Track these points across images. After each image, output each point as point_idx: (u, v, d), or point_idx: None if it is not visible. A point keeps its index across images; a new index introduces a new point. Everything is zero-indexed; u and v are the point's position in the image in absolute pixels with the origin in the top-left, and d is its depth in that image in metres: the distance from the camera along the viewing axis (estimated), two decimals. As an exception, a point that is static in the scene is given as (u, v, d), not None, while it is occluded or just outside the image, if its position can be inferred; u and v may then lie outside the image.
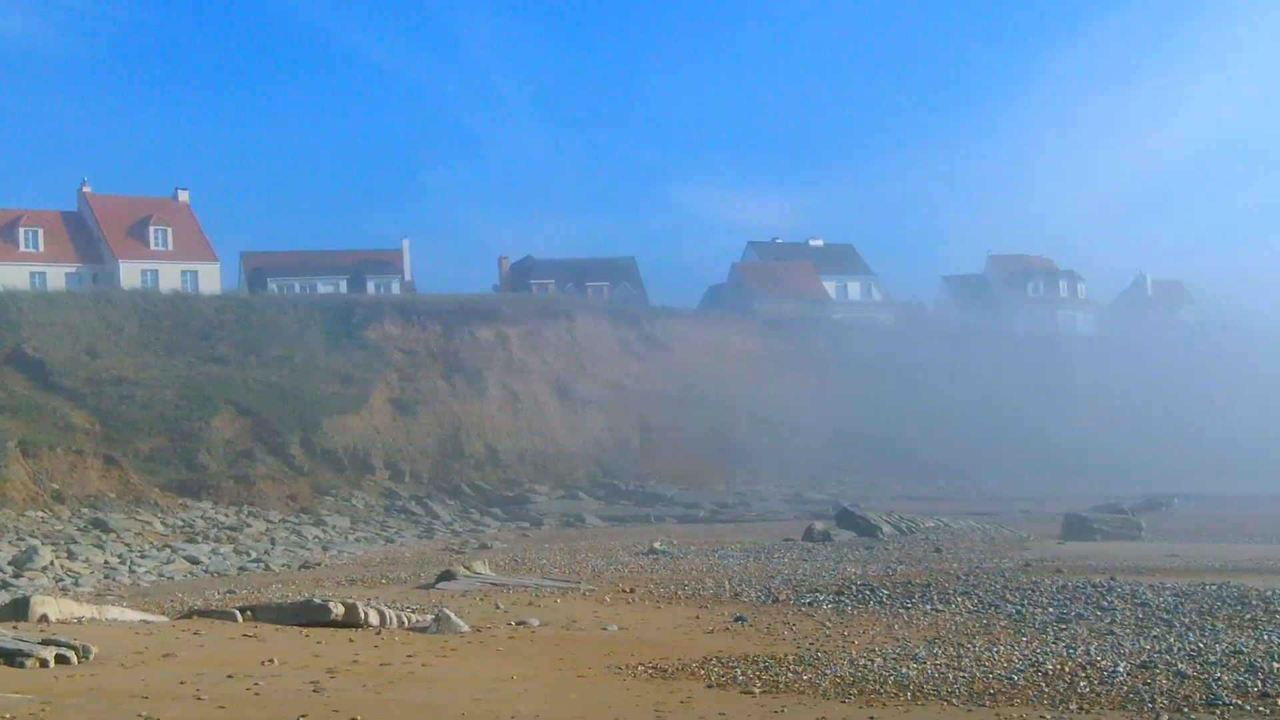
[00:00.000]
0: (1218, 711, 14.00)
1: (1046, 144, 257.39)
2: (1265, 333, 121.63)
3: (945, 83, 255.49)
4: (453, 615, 21.40)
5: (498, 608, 24.79)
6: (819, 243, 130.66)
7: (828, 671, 16.83)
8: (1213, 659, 17.22)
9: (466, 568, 32.00)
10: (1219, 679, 15.71)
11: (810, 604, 25.01)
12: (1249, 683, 15.44)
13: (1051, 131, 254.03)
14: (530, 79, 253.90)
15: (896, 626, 21.70)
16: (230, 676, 15.69)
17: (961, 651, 18.38)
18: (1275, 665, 16.52)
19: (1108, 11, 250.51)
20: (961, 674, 16.47)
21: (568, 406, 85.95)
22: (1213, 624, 21.06)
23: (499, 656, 18.62)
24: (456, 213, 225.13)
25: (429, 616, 21.94)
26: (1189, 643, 18.81)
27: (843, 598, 25.83)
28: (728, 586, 28.74)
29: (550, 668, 17.63)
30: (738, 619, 22.64)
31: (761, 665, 17.45)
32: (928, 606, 24.14)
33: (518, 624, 22.20)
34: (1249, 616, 21.91)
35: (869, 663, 17.47)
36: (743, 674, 16.79)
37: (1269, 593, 25.08)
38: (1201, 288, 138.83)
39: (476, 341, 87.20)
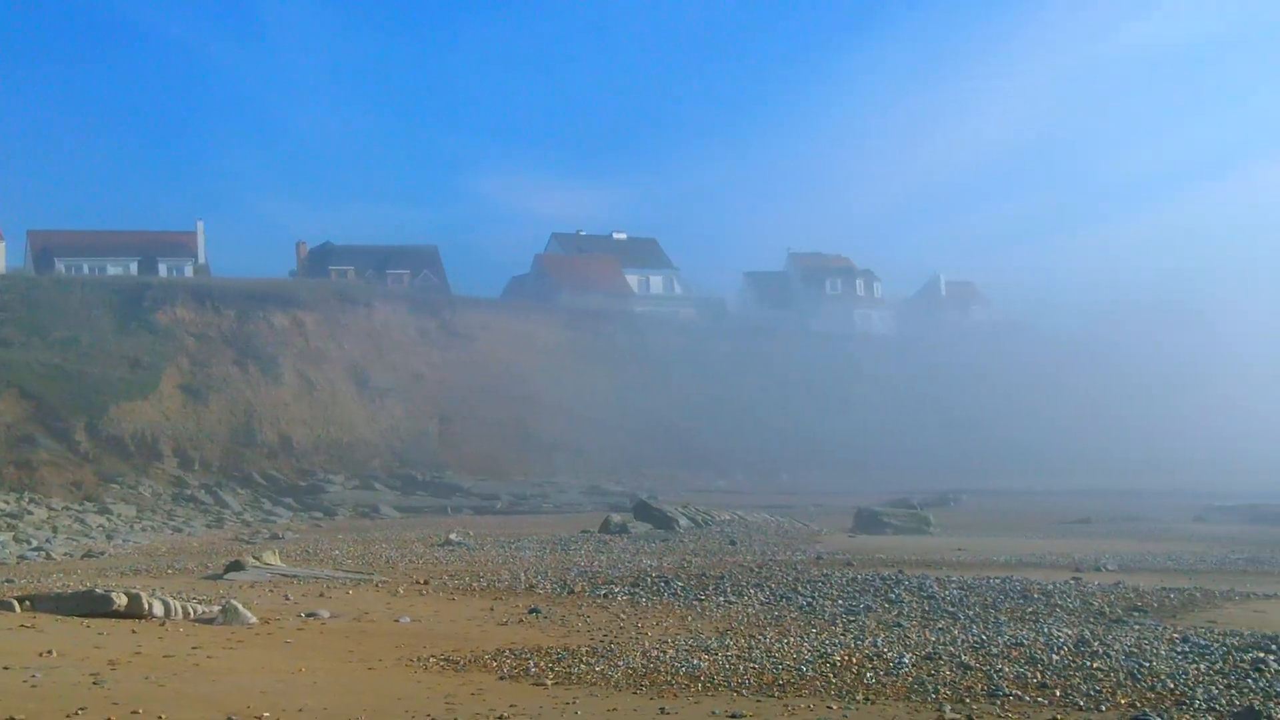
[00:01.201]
0: (998, 702, 14.30)
1: (847, 144, 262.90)
2: (1052, 333, 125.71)
3: (748, 80, 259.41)
4: (240, 606, 20.98)
5: (287, 599, 24.37)
6: (622, 236, 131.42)
7: (620, 663, 16.84)
8: (995, 651, 17.62)
9: (256, 558, 31.36)
10: (1000, 670, 16.07)
11: (605, 596, 25.04)
12: (1029, 674, 15.82)
13: (852, 131, 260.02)
14: (332, 61, 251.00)
15: (690, 618, 21.81)
16: (6, 668, 15.19)
17: (753, 643, 18.53)
18: (1054, 657, 16.96)
19: (909, 14, 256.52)
20: (752, 665, 16.60)
21: (365, 395, 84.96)
22: (995, 616, 21.60)
23: (287, 648, 18.29)
24: (253, 195, 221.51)
25: (216, 608, 21.49)
26: (972, 635, 19.23)
27: (638, 589, 25.91)
28: (523, 578, 28.64)
29: (340, 660, 17.37)
30: (532, 611, 22.55)
31: (555, 657, 17.40)
32: (721, 599, 24.33)
33: (308, 615, 21.84)
34: (1030, 609, 22.52)
35: (662, 654, 17.52)
36: (535, 665, 16.72)
37: (1050, 586, 25.84)
38: (992, 288, 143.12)
39: (271, 327, 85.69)
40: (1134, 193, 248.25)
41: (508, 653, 17.79)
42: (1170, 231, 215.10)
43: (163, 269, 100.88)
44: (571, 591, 25.90)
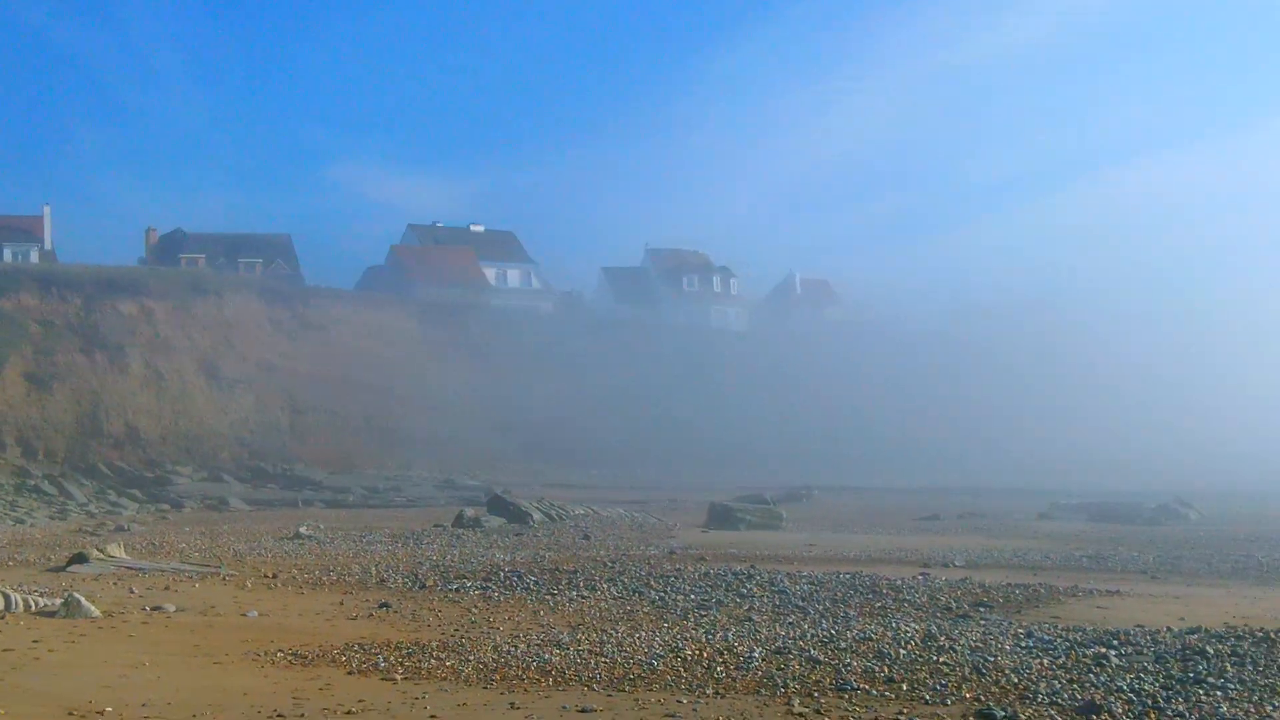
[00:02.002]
0: (846, 696, 14.45)
1: (706, 142, 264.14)
2: (905, 333, 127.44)
3: (607, 76, 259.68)
4: (83, 599, 20.56)
5: (132, 592, 23.92)
6: (480, 228, 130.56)
7: (471, 658, 16.76)
8: (843, 645, 17.81)
9: (101, 550, 30.72)
10: (849, 665, 16.24)
11: (457, 590, 24.92)
12: (876, 668, 16.01)
13: (711, 130, 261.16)
14: (185, 46, 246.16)
15: (542, 613, 21.78)
16: None
17: (604, 637, 18.55)
18: (902, 652, 17.18)
19: (771, 16, 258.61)
20: (603, 659, 16.62)
21: (215, 386, 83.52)
22: (845, 611, 21.84)
23: (131, 642, 17.96)
24: (103, 181, 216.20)
25: (58, 600, 21.02)
26: (822, 630, 19.42)
27: (490, 584, 25.82)
28: (374, 572, 28.39)
29: (185, 654, 17.09)
30: (383, 605, 22.37)
31: (405, 652, 17.27)
32: (574, 593, 24.32)
33: (153, 609, 21.45)
34: (879, 605, 22.80)
35: (513, 649, 17.47)
36: (385, 660, 16.58)
37: (898, 581, 26.20)
38: (847, 287, 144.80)
39: (119, 316, 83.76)
40: (988, 196, 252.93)
41: (357, 647, 17.63)
42: (1023, 234, 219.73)
43: (7, 254, 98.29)
44: (423, 586, 25.73)
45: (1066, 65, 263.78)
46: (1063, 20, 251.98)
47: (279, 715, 13.32)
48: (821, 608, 22.28)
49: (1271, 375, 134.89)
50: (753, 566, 29.48)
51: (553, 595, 24.07)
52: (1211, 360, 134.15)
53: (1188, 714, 13.56)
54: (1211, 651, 17.13)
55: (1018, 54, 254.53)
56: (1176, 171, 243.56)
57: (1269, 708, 13.93)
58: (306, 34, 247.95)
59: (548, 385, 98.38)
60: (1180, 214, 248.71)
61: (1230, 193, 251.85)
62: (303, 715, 13.36)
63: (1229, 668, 16.09)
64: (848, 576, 27.28)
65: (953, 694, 14.61)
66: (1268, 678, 15.53)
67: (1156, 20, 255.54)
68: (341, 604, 22.85)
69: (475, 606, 22.58)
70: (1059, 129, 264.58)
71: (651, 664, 16.30)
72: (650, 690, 14.81)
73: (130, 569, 28.40)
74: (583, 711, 13.65)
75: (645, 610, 22.04)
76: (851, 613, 21.71)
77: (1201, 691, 14.66)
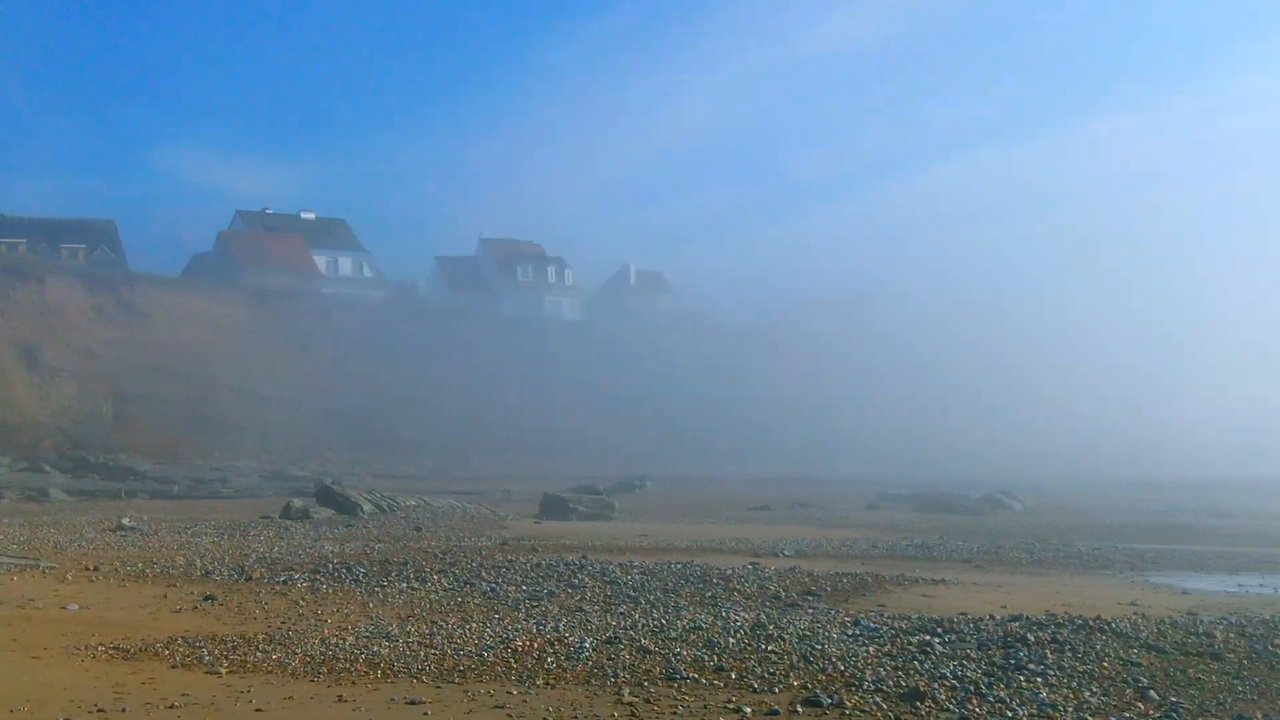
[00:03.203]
0: (676, 685, 14.53)
1: (540, 132, 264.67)
2: (738, 324, 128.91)
3: (443, 64, 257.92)
4: (-108, 594, 19.89)
5: (-54, 586, 23.21)
6: (310, 215, 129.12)
7: (298, 650, 16.53)
8: (674, 634, 17.89)
9: (-88, 543, 29.78)
10: (679, 654, 16.32)
11: (285, 582, 24.54)
12: (706, 657, 16.11)
13: (545, 121, 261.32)
14: (2, 23, 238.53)
15: (371, 605, 21.57)
16: None
17: (434, 629, 18.43)
18: (731, 640, 17.31)
19: (605, 8, 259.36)
20: (433, 651, 16.51)
21: (35, 374, 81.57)
22: (675, 601, 21.96)
23: (-55, 637, 17.43)
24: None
25: None
26: (653, 619, 19.50)
27: (318, 576, 25.48)
28: (199, 564, 27.86)
29: (3, 649, 16.62)
30: (207, 598, 21.96)
31: (230, 645, 16.97)
32: (404, 585, 24.12)
33: (-33, 603, 20.85)
34: (709, 594, 22.98)
35: (341, 641, 17.27)
36: (210, 654, 16.29)
37: (729, 571, 26.42)
38: (680, 279, 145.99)
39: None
40: (816, 190, 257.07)
41: (181, 641, 17.29)
42: (851, 227, 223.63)
43: None
44: (249, 578, 25.31)
45: (895, 61, 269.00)
46: (892, 17, 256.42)
47: (100, 710, 13.03)
48: (652, 598, 22.38)
49: (1099, 370, 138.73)
50: (584, 557, 29.54)
51: (382, 587, 23.84)
52: (1043, 353, 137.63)
53: (1009, 700, 13.87)
54: (1032, 639, 17.53)
55: (847, 49, 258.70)
56: (999, 167, 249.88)
57: (1086, 693, 14.32)
58: (129, 13, 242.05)
59: (379, 375, 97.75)
60: (1004, 208, 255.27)
61: (1055, 187, 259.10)
62: (124, 710, 13.08)
63: (1049, 654, 16.49)
64: (679, 566, 27.45)
65: (781, 681, 14.76)
66: (1086, 664, 15.97)
67: (986, 17, 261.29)
68: (165, 597, 22.39)
69: (303, 599, 22.28)
70: (886, 124, 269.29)
71: (482, 655, 16.24)
72: (480, 681, 14.75)
73: (-57, 562, 27.55)
74: (411, 703, 13.55)
75: (476, 602, 21.94)
76: (682, 602, 21.85)
77: (1023, 678, 15.01)
